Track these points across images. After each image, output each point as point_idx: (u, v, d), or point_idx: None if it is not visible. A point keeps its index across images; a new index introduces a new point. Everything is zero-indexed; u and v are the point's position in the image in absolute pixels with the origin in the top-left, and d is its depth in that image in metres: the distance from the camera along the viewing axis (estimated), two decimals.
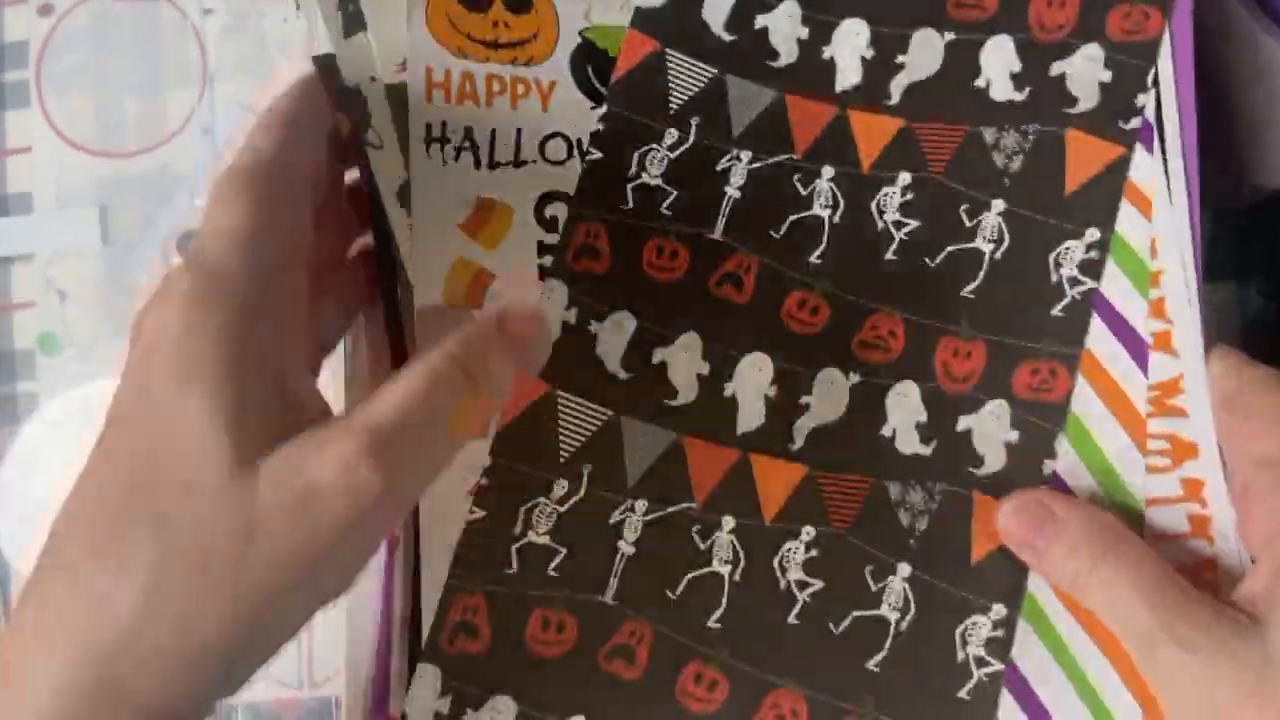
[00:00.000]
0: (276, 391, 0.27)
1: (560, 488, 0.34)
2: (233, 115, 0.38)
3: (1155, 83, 0.35)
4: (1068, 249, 0.35)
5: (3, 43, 0.39)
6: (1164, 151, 0.35)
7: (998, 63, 0.36)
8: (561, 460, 0.35)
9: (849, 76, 0.37)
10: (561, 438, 0.35)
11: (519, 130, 0.36)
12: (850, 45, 0.37)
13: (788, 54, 0.37)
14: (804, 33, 0.37)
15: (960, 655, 0.33)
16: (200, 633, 0.24)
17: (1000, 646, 0.33)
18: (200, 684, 0.25)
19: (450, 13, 0.36)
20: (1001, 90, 0.36)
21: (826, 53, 0.37)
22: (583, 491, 0.34)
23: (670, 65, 0.37)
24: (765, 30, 0.37)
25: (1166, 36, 0.35)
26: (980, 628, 0.33)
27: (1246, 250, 0.43)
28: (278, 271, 0.28)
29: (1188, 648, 0.28)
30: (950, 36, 0.36)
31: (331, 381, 0.34)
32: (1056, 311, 0.35)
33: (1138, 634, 0.29)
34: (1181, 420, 0.33)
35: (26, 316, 0.37)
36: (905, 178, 0.36)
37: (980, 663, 0.33)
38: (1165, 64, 0.35)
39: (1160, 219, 0.34)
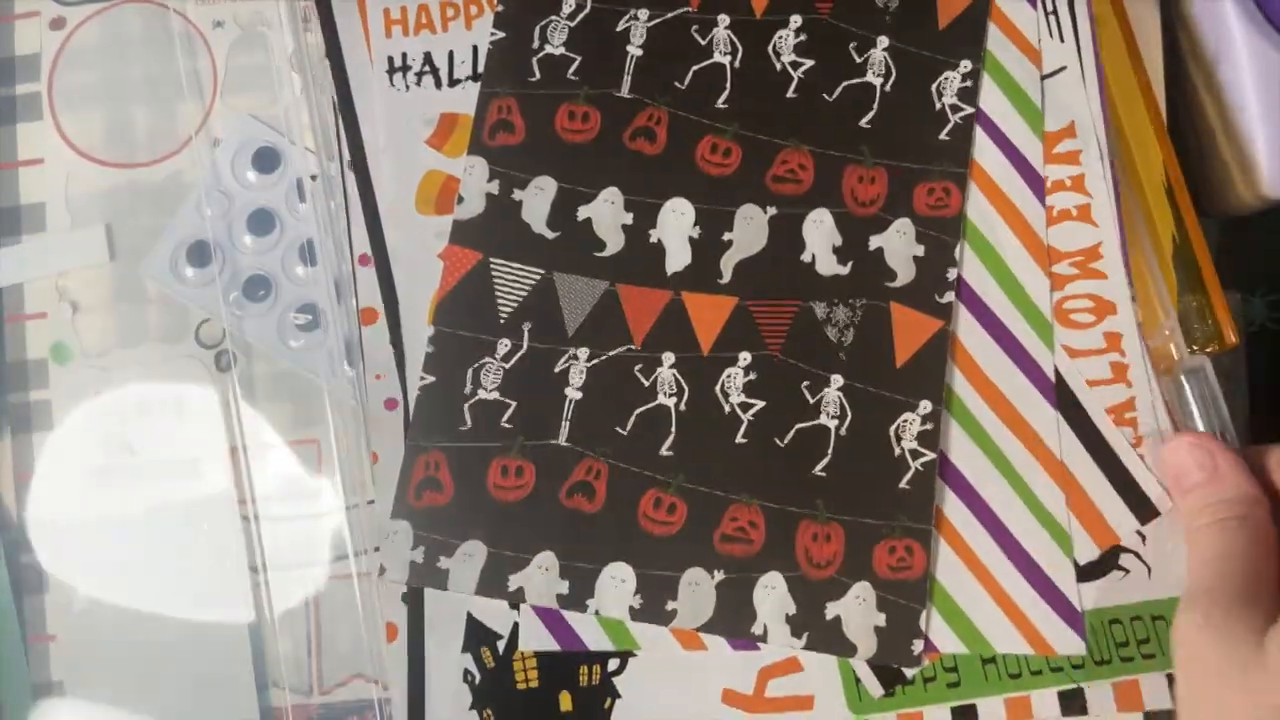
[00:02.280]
0: None
1: (504, 346, 0.36)
2: (241, 126, 0.39)
3: None
4: (947, 79, 0.37)
5: (15, 56, 0.39)
6: (1078, 44, 0.38)
7: None
8: (501, 321, 0.36)
9: None
10: (499, 300, 0.36)
11: (475, 46, 0.38)
12: None
13: None
14: None
15: (896, 450, 0.35)
16: None
17: (931, 438, 0.35)
18: None
19: None
20: None
21: None
22: (525, 347, 0.36)
23: None
24: None
25: None
26: (911, 424, 0.35)
27: (1251, 259, 0.43)
28: None
29: (1214, 629, 0.30)
30: None
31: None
32: (943, 136, 0.37)
33: (1187, 596, 0.32)
34: (1102, 282, 0.36)
35: (39, 326, 0.38)
36: (797, 19, 0.38)
37: (915, 455, 0.35)
38: None
39: (1072, 99, 0.37)
